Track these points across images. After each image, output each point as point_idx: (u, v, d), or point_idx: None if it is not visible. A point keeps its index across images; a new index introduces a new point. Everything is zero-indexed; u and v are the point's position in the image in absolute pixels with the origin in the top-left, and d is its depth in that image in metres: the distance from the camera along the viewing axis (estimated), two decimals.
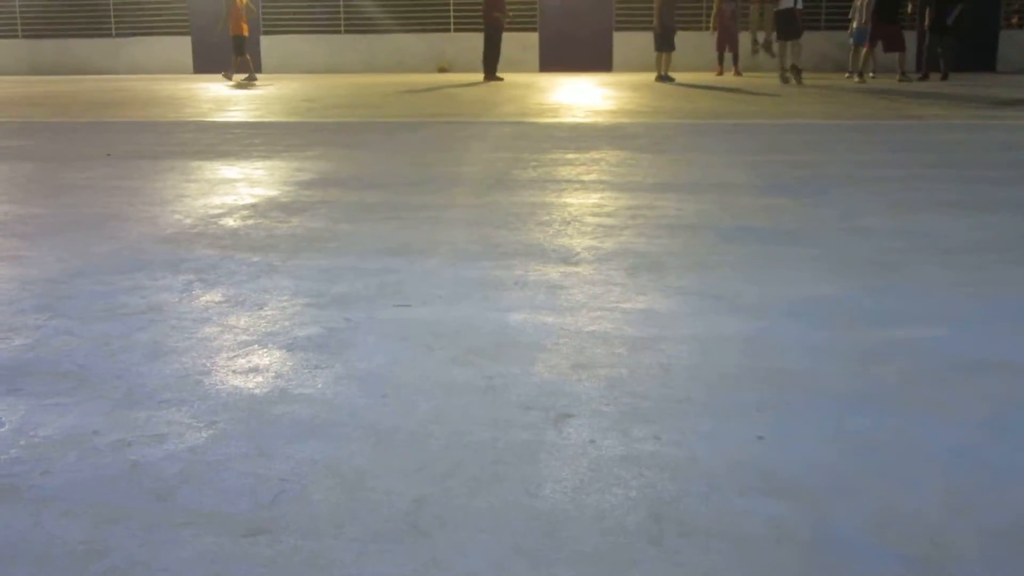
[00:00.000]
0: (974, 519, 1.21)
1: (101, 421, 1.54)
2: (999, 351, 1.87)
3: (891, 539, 1.16)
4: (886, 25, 13.76)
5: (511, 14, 15.88)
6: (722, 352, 1.86)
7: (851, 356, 1.84)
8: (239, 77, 16.35)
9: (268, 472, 1.35)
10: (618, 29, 19.26)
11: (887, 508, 1.24)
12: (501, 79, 15.09)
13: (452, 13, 20.63)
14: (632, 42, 18.25)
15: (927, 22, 14.17)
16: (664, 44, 14.45)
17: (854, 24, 15.08)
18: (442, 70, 20.21)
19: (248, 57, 16.31)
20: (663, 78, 14.16)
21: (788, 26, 13.18)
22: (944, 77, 14.34)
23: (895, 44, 13.75)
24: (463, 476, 1.34)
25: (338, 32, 20.84)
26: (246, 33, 16.50)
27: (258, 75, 16.84)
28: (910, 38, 14.96)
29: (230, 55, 16.00)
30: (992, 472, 1.34)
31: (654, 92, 11.66)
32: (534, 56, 20.31)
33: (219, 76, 16.86)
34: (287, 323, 2.07)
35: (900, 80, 13.67)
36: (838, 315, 2.11)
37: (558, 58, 19.95)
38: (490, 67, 15.20)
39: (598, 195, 3.80)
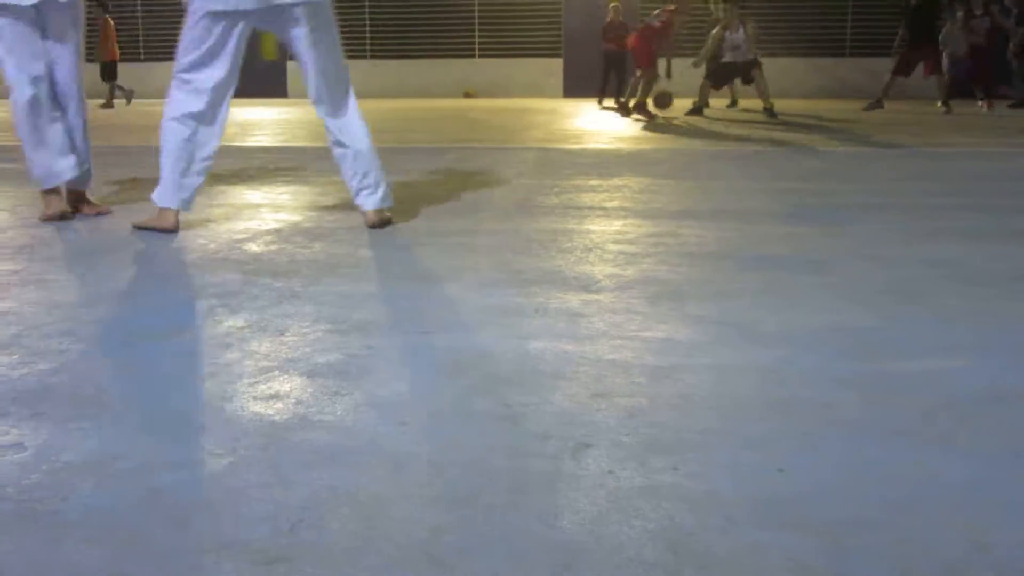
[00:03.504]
0: (994, 555, 1.20)
1: (122, 446, 1.55)
2: (1021, 383, 1.85)
3: (909, 573, 1.15)
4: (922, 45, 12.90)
5: (625, 42, 16.03)
6: (742, 382, 1.86)
7: (872, 387, 1.83)
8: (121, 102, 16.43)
9: (287, 499, 1.36)
10: None
11: (906, 542, 1.23)
12: (630, 109, 15.25)
13: (477, 39, 20.77)
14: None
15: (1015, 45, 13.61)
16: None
17: None
18: (467, 95, 20.32)
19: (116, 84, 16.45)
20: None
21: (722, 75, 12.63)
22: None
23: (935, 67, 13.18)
24: (481, 505, 1.34)
25: (364, 57, 21.01)
26: (117, 58, 16.56)
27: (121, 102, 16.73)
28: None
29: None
30: (1013, 507, 1.33)
31: (673, 119, 11.66)
32: (558, 82, 20.40)
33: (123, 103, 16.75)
34: (308, 349, 2.09)
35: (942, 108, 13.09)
36: (859, 345, 2.10)
37: (583, 84, 20.02)
38: (605, 93, 15.39)
39: (620, 222, 3.80)
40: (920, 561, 1.18)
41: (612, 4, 15.35)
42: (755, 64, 12.13)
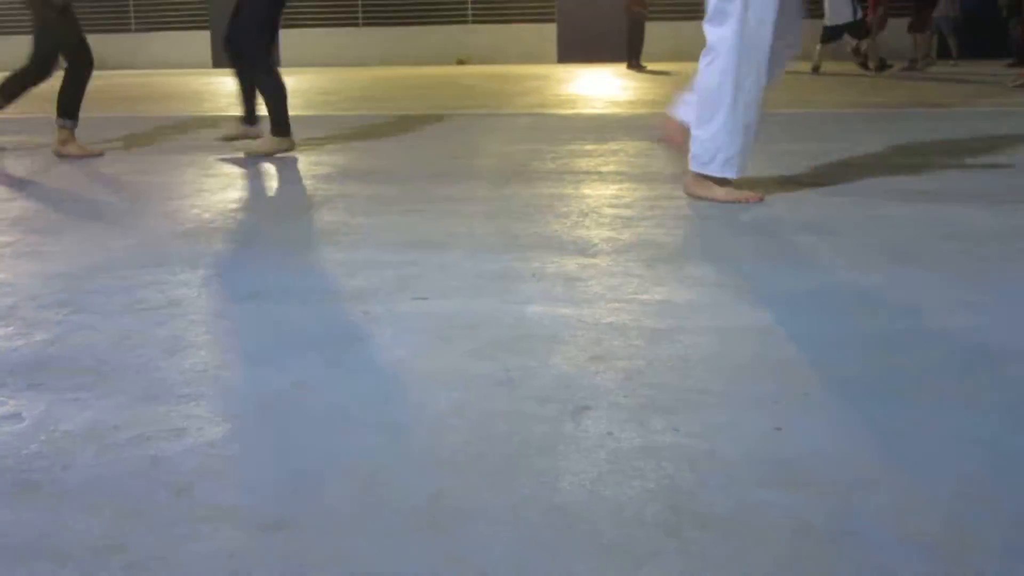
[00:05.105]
0: (994, 509, 1.20)
1: (121, 416, 1.54)
2: (1019, 339, 1.85)
3: (910, 530, 1.15)
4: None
5: (651, 4, 16.54)
6: (740, 343, 1.86)
7: (871, 345, 1.82)
8: None
9: (287, 466, 1.36)
10: None
11: (906, 498, 1.23)
12: (644, 67, 15.60)
13: (470, 5, 20.63)
14: (653, 32, 18.08)
15: None
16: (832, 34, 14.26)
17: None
18: (461, 62, 20.20)
19: None
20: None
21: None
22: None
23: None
24: (481, 470, 1.34)
25: (356, 25, 20.88)
26: None
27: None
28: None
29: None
30: (1012, 461, 1.33)
31: (672, 83, 11.62)
32: (552, 48, 20.27)
33: None
34: (305, 317, 2.08)
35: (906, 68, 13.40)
36: (858, 304, 2.10)
37: (577, 49, 19.90)
38: (633, 56, 15.83)
39: (616, 186, 3.79)
40: (921, 518, 1.18)
41: None
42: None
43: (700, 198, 3.39)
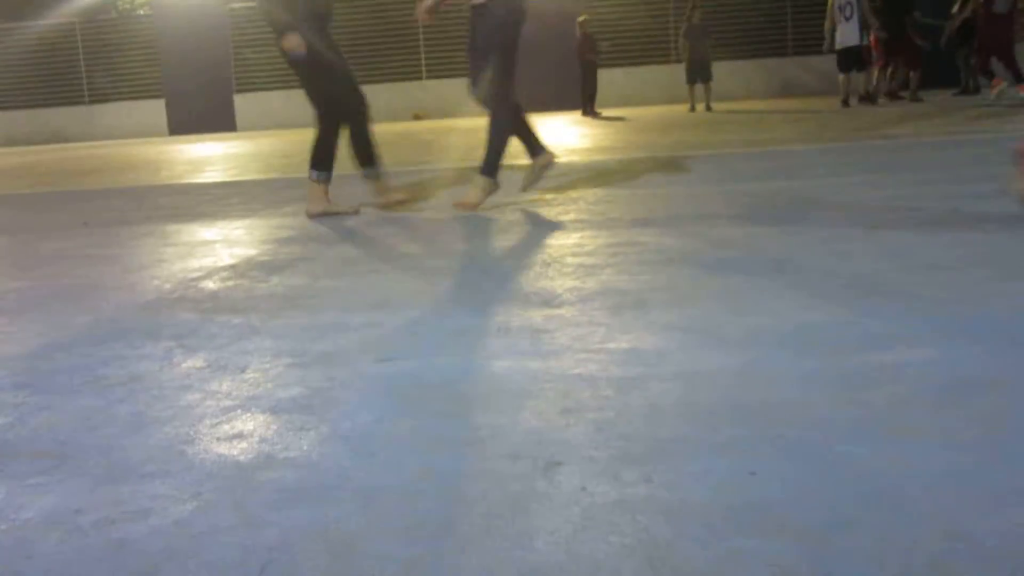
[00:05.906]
0: (973, 545, 1.19)
1: (84, 499, 1.51)
2: (989, 369, 1.86)
3: (891, 570, 1.14)
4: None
5: (603, 52, 16.76)
6: (710, 387, 1.85)
7: (841, 383, 1.82)
8: None
9: (256, 542, 1.32)
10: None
11: (885, 539, 1.22)
12: (599, 114, 15.79)
13: (424, 61, 20.79)
14: (606, 78, 18.28)
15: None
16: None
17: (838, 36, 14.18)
18: (417, 117, 20.30)
19: None
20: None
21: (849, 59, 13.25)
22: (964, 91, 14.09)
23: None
24: (454, 533, 1.31)
25: None
26: None
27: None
28: None
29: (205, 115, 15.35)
30: (989, 495, 1.33)
31: (627, 128, 11.74)
32: None
33: None
34: (270, 385, 2.05)
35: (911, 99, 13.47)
36: (825, 342, 2.10)
37: (532, 98, 20.05)
38: (588, 102, 16.14)
39: (578, 234, 3.79)
40: (902, 557, 1.17)
41: (580, 19, 16.03)
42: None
43: None
